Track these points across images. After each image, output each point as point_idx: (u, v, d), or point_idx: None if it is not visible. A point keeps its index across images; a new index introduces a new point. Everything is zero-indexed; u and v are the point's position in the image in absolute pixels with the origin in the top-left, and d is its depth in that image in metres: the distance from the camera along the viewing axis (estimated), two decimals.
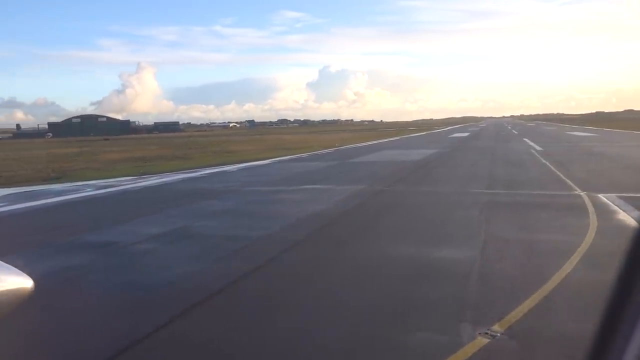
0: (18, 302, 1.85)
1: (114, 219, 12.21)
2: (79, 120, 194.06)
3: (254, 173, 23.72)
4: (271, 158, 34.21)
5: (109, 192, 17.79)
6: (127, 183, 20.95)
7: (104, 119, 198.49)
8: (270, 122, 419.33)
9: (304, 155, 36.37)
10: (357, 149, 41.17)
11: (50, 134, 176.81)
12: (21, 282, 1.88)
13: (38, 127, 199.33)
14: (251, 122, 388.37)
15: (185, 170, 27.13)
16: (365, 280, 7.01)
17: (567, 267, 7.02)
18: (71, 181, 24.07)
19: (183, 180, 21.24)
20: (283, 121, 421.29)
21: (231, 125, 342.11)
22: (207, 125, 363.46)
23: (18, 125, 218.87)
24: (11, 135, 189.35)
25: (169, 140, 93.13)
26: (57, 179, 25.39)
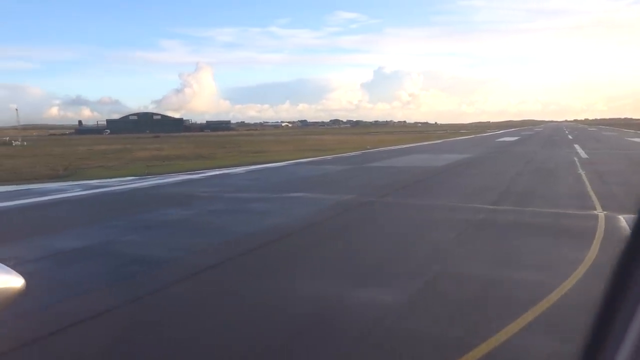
0: (8, 301, 1.81)
1: (36, 228, 11.06)
2: (135, 117, 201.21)
3: (256, 177, 22.31)
4: (294, 159, 32.90)
5: (80, 194, 16.81)
6: (118, 184, 20.06)
7: (159, 117, 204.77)
8: (323, 122, 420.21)
9: (328, 157, 34.81)
10: (386, 152, 39.09)
11: (108, 131, 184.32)
12: (11, 280, 1.83)
13: (97, 124, 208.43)
14: (303, 122, 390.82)
15: (193, 171, 26.17)
16: (229, 333, 5.30)
17: (503, 335, 5.03)
18: (73, 180, 23.64)
19: (174, 183, 20.10)
20: (335, 121, 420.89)
21: (283, 125, 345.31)
22: (260, 124, 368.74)
23: (80, 122, 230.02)
24: (73, 131, 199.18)
25: (212, 138, 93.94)
26: (63, 177, 25.13)
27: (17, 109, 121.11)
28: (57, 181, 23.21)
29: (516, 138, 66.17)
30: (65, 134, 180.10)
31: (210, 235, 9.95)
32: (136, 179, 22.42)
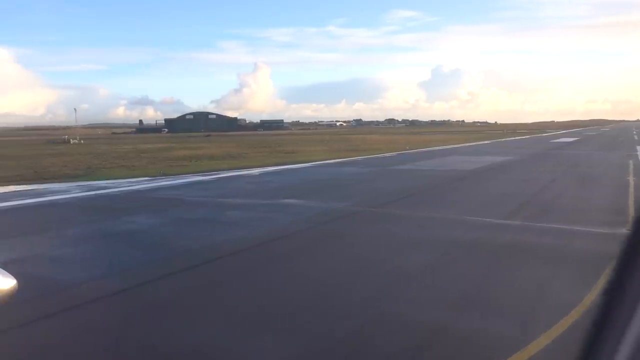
0: (2, 302, 1.80)
1: None
2: (191, 117, 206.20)
3: (266, 179, 21.05)
4: (322, 160, 31.49)
5: (60, 198, 16.05)
6: (118, 186, 19.37)
7: (214, 116, 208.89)
8: (378, 121, 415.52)
9: (359, 158, 33.18)
10: (422, 153, 36.91)
11: (166, 130, 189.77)
12: (3, 281, 1.82)
13: (156, 123, 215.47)
14: (358, 121, 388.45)
15: (211, 171, 25.26)
16: None
17: None
18: (86, 180, 23.29)
19: (174, 186, 19.16)
20: (391, 121, 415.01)
21: (338, 124, 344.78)
22: (315, 124, 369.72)
23: (140, 121, 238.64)
24: (134, 130, 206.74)
25: (258, 138, 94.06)
26: (80, 177, 24.91)
27: (75, 109, 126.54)
28: (70, 181, 22.90)
29: (574, 139, 61.63)
30: (126, 133, 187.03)
31: (145, 253, 8.68)
32: (145, 181, 21.70)
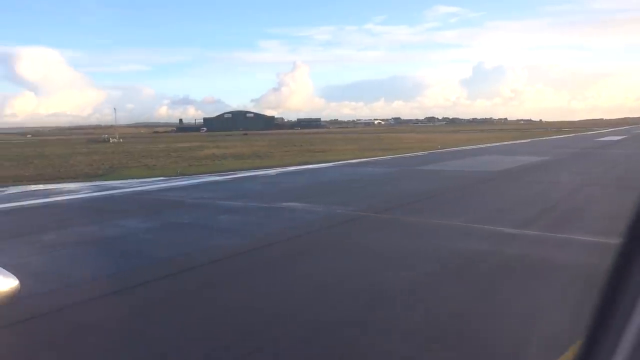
0: (3, 302, 1.81)
1: None
2: (230, 115, 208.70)
3: (279, 180, 20.32)
4: (348, 160, 30.65)
5: (65, 199, 15.78)
6: (129, 186, 19.10)
7: (252, 115, 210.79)
8: (417, 119, 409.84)
9: (386, 157, 32.14)
10: (453, 153, 35.40)
11: (205, 128, 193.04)
12: (6, 281, 1.82)
13: (195, 122, 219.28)
14: (396, 120, 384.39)
15: (230, 171, 24.79)
16: None
17: None
18: (103, 179, 23.21)
19: (182, 187, 18.73)
20: (430, 119, 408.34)
21: (376, 122, 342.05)
22: (353, 122, 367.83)
23: (180, 120, 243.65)
24: (174, 129, 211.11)
25: (292, 136, 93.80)
26: (99, 176, 24.89)
27: (115, 109, 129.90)
28: (87, 180, 22.87)
29: (621, 137, 58.28)
30: (166, 132, 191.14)
31: (110, 263, 8.00)
32: (159, 181, 21.38)
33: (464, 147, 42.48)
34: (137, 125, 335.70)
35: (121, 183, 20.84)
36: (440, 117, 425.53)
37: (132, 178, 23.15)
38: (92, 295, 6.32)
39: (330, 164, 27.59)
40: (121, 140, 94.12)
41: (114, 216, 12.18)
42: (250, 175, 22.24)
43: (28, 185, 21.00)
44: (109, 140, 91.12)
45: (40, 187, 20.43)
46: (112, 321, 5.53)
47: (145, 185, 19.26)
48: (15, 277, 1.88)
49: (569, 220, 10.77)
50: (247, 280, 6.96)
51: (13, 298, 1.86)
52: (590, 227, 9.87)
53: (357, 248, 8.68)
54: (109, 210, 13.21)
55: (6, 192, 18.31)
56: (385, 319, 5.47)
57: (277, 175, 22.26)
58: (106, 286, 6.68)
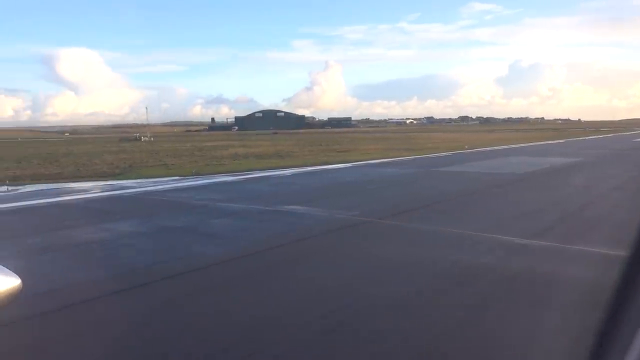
0: (5, 301, 1.74)
1: None
2: (260, 115, 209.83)
3: (292, 181, 19.75)
4: (370, 160, 29.92)
5: (61, 200, 15.57)
6: (139, 186, 18.88)
7: (282, 114, 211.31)
8: (450, 118, 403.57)
9: (408, 158, 31.26)
10: (480, 153, 34.13)
11: (236, 127, 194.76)
12: (8, 280, 1.76)
13: (227, 121, 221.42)
14: (429, 119, 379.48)
15: (245, 171, 24.40)
16: None
17: None
18: (119, 179, 23.17)
19: (197, 187, 18.38)
20: (464, 118, 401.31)
21: (408, 122, 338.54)
22: (384, 121, 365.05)
23: (212, 119, 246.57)
24: (206, 127, 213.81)
25: (320, 135, 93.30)
26: (116, 176, 24.89)
27: (147, 108, 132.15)
28: (103, 179, 22.87)
29: None
30: (198, 131, 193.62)
31: (76, 271, 7.57)
32: (171, 180, 21.15)
33: (493, 148, 41.04)
34: (171, 124, 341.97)
35: (134, 182, 20.68)
36: (474, 117, 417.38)
37: (148, 177, 23.03)
38: (58, 304, 5.84)
39: (350, 165, 26.89)
40: (152, 139, 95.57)
41: (108, 218, 11.82)
42: (264, 176, 21.75)
43: (43, 184, 21.12)
44: (141, 139, 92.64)
45: (53, 186, 20.49)
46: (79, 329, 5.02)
47: (156, 185, 19.01)
48: (17, 276, 1.83)
49: (588, 230, 9.80)
50: (209, 299, 6.35)
51: (15, 297, 1.80)
52: (612, 239, 8.88)
53: (344, 260, 7.98)
54: (107, 212, 12.89)
55: (16, 192, 18.36)
56: (352, 344, 4.78)
57: (292, 176, 21.71)
58: (71, 297, 6.21)
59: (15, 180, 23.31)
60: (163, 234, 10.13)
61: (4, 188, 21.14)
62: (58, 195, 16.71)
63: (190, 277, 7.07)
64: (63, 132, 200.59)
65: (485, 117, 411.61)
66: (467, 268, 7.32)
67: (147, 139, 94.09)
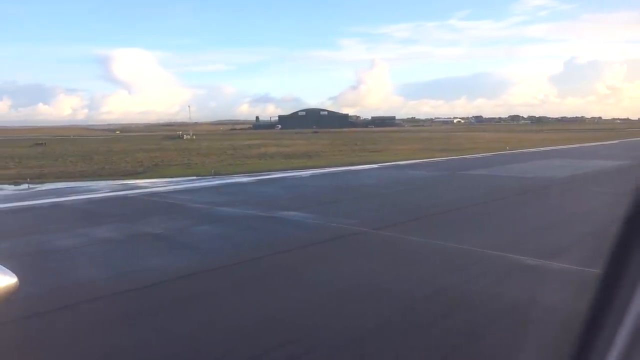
0: (1, 300, 1.78)
1: None
2: (304, 113, 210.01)
3: (306, 183, 18.82)
4: (401, 161, 28.63)
5: (60, 200, 15.06)
6: (152, 186, 18.41)
7: (325, 113, 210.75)
8: (500, 118, 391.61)
9: (442, 159, 29.80)
10: (518, 155, 32.17)
11: (279, 126, 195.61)
12: (4, 279, 1.79)
13: (270, 120, 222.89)
14: (477, 118, 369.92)
15: (266, 171, 23.66)
16: None
17: None
18: (140, 178, 22.95)
19: (205, 188, 17.74)
20: (515, 117, 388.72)
21: (455, 121, 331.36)
22: (430, 120, 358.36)
23: (257, 118, 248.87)
24: (251, 126, 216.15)
25: (359, 135, 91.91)
26: (138, 174, 24.72)
27: (189, 107, 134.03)
28: (123, 178, 22.70)
29: None
30: (242, 129, 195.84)
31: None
32: (186, 181, 20.70)
33: (537, 149, 38.68)
34: (218, 123, 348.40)
35: (148, 182, 20.32)
36: (525, 116, 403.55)
37: (166, 177, 22.72)
38: None
39: (376, 166, 25.66)
40: (194, 137, 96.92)
41: (91, 222, 11.21)
42: (280, 177, 20.90)
43: (62, 182, 21.14)
44: (183, 137, 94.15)
45: (70, 184, 20.42)
46: None
47: (167, 186, 18.48)
48: (13, 274, 1.82)
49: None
50: (129, 325, 5.44)
51: (11, 295, 1.80)
52: None
53: (308, 282, 6.88)
54: (96, 215, 12.30)
55: (31, 190, 18.31)
56: None
57: (309, 177, 20.75)
58: None
59: (40, 178, 23.54)
60: (132, 242, 9.34)
61: (25, 186, 21.30)
62: (64, 195, 16.39)
63: (117, 300, 6.17)
64: (114, 130, 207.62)
65: (537, 116, 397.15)
66: (453, 297, 6.13)
67: (188, 137, 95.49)
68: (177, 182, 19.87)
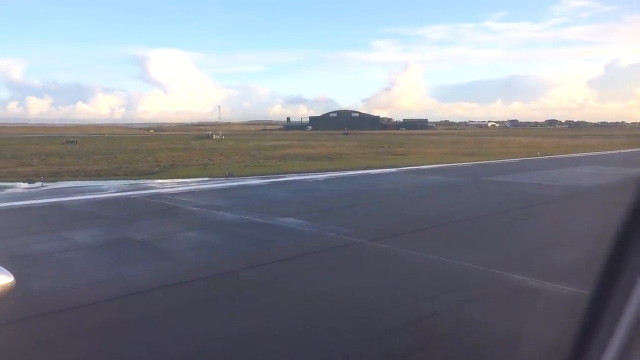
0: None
1: None
2: (335, 115, 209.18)
3: (318, 187, 18.16)
4: (424, 165, 27.70)
5: (80, 199, 14.86)
6: (160, 187, 18.11)
7: (357, 115, 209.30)
8: (536, 122, 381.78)
9: (466, 164, 28.55)
10: (548, 161, 30.64)
11: (310, 127, 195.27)
12: (1, 278, 1.81)
13: (302, 121, 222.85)
14: (513, 122, 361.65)
15: (279, 174, 23.07)
16: None
17: None
18: (154, 177, 22.72)
19: (212, 190, 17.29)
20: (552, 122, 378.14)
21: (489, 124, 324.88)
22: (464, 123, 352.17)
23: (288, 119, 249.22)
24: (281, 127, 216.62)
25: (387, 137, 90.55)
26: (153, 174, 24.50)
27: (219, 107, 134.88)
28: (137, 178, 22.46)
29: None
30: (273, 130, 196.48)
31: None
32: (197, 182, 20.29)
33: (569, 155, 36.92)
34: (250, 123, 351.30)
35: (158, 183, 20.04)
36: (563, 120, 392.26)
37: (179, 177, 22.39)
38: None
39: (396, 170, 24.78)
40: (223, 137, 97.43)
41: (81, 225, 10.83)
42: (293, 180, 20.27)
43: (75, 181, 21.06)
44: (212, 137, 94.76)
45: (80, 183, 20.30)
46: None
47: (175, 187, 18.14)
48: (10, 274, 1.84)
49: None
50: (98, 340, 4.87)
51: (8, 294, 1.81)
52: None
53: (276, 302, 6.19)
54: (89, 217, 11.93)
55: (42, 188, 18.23)
56: None
57: (322, 181, 20.07)
58: None
59: (55, 177, 23.55)
60: (109, 249, 8.85)
61: (39, 184, 21.33)
62: (69, 194, 16.19)
63: (47, 321, 5.61)
64: (148, 129, 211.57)
65: (575, 121, 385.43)
66: (432, 327, 5.36)
67: (217, 136, 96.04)
68: (187, 184, 19.50)
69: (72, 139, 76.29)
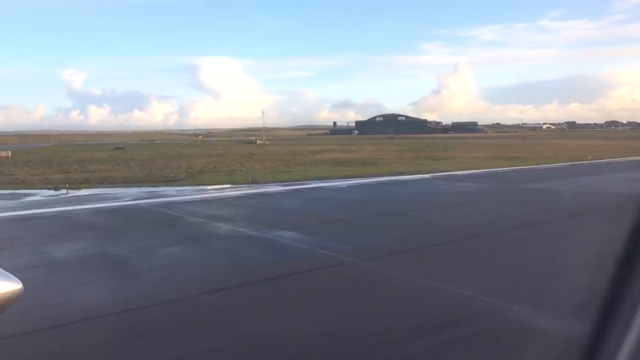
0: (7, 304, 1.79)
1: None
2: (381, 119, 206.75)
3: (333, 196, 17.28)
4: (461, 170, 26.24)
5: (88, 208, 14.54)
6: (178, 195, 17.70)
7: (403, 118, 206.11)
8: (595, 123, 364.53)
9: (504, 169, 26.96)
10: (603, 165, 28.59)
11: (356, 131, 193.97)
12: (10, 285, 1.80)
13: (347, 125, 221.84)
14: (570, 124, 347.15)
15: (302, 181, 22.30)
16: None
17: None
18: (178, 184, 22.51)
19: (221, 199, 16.70)
20: (612, 123, 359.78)
21: (544, 127, 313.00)
22: (517, 126, 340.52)
23: (334, 123, 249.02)
24: (328, 132, 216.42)
25: (433, 141, 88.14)
26: (177, 181, 24.29)
27: (262, 112, 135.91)
28: (163, 185, 22.31)
29: None
30: (318, 135, 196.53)
31: None
32: (218, 189, 19.90)
33: (624, 159, 34.20)
34: (298, 128, 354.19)
35: (177, 190, 19.70)
36: (624, 122, 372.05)
37: (201, 184, 22.05)
38: None
39: (429, 176, 23.43)
40: (266, 142, 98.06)
41: (68, 237, 10.36)
42: (313, 187, 19.42)
43: (99, 189, 21.14)
44: (255, 142, 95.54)
45: (102, 191, 20.29)
46: None
47: (188, 195, 17.72)
48: (18, 281, 1.83)
49: None
50: None
51: (16, 301, 1.80)
52: None
53: (219, 339, 5.29)
54: (84, 228, 11.48)
55: (62, 196, 18.22)
56: None
57: (344, 188, 19.13)
58: None
59: (83, 183, 23.76)
60: (81, 266, 8.20)
61: (64, 191, 21.47)
62: (82, 202, 16.02)
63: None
64: (196, 135, 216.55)
65: (638, 122, 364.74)
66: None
67: (261, 142, 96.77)
68: (204, 191, 19.04)
69: (121, 146, 78.60)
